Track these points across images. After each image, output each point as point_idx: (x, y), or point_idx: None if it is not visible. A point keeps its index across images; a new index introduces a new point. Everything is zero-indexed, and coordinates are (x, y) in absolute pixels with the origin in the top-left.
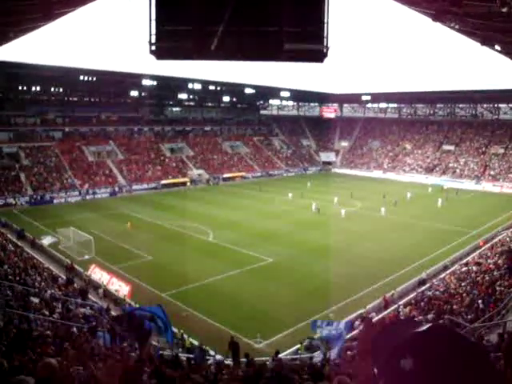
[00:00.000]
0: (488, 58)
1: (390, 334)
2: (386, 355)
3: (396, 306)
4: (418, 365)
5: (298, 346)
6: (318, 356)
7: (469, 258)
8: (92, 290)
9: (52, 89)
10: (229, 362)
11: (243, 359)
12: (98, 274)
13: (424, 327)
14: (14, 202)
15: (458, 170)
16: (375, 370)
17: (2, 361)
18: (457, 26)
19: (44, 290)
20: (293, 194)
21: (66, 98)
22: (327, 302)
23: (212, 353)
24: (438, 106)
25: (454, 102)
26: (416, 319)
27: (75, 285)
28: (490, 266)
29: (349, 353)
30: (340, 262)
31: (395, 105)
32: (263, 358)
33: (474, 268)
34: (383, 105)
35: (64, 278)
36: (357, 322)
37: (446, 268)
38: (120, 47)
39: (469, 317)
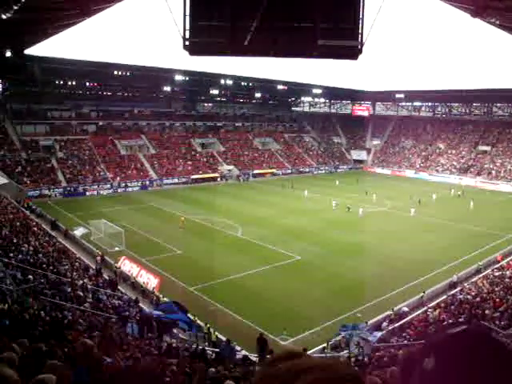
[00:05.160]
0: None
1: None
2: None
3: (425, 308)
4: (440, 365)
5: (324, 344)
6: (344, 355)
7: (503, 262)
8: (122, 282)
9: (87, 83)
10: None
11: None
12: (127, 266)
13: (456, 329)
14: (48, 194)
15: (493, 172)
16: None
17: (40, 345)
18: (497, 22)
19: (76, 280)
20: (308, 191)
21: (100, 93)
22: (355, 302)
23: (238, 348)
24: (474, 104)
25: (491, 100)
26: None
27: (105, 276)
28: None
29: (377, 354)
30: (369, 262)
31: (429, 103)
32: None
33: (508, 273)
34: (417, 103)
35: (94, 268)
36: (384, 323)
37: (478, 271)
38: (154, 42)
39: (502, 323)
